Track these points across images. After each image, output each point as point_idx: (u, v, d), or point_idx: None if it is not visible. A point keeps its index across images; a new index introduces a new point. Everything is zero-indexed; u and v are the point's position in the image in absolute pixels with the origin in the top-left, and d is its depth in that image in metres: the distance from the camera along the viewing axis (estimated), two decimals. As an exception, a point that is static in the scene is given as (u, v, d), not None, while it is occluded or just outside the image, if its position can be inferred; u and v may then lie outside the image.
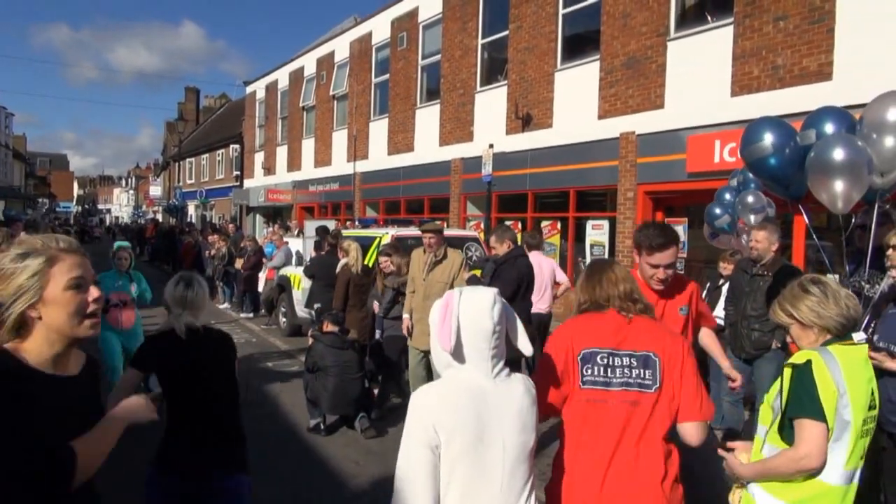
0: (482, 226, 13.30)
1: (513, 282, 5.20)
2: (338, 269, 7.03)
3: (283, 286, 10.70)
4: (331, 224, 12.30)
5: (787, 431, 2.23)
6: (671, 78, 10.05)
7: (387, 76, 17.62)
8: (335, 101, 20.48)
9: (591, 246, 11.78)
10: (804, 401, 2.15)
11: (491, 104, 13.77)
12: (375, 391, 6.42)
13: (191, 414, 2.81)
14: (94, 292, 1.65)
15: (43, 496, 1.50)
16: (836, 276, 4.78)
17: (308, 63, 22.25)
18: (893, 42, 7.47)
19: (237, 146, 29.82)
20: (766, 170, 4.16)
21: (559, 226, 12.52)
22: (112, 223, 65.58)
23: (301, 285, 9.65)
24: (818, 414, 2.13)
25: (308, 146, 22.12)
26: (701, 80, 9.52)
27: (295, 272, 10.39)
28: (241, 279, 12.95)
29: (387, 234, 8.22)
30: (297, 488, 4.64)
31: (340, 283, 6.78)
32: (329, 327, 5.96)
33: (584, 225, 12.00)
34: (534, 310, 6.13)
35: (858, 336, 2.33)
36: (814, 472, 2.16)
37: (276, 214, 24.71)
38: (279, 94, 24.64)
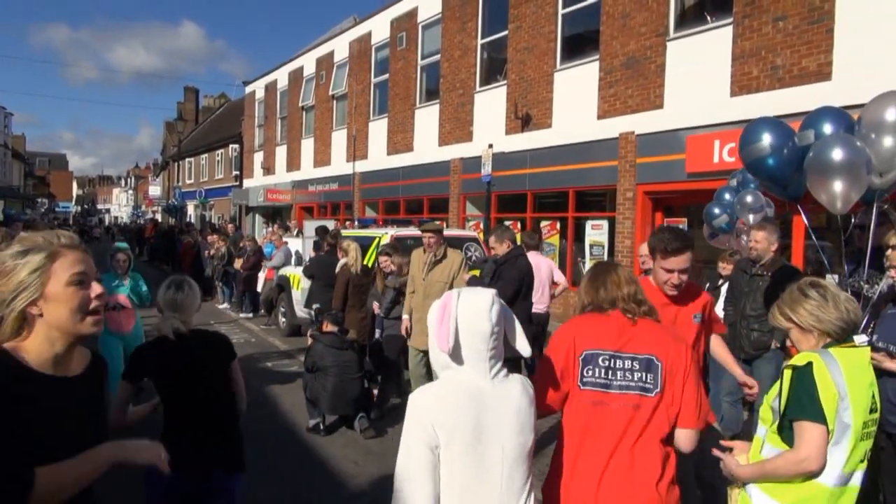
0: (481, 226, 13.31)
1: (514, 281, 5.21)
2: (337, 269, 7.03)
3: (283, 286, 10.70)
4: (330, 224, 12.31)
5: (786, 433, 2.22)
6: (670, 78, 10.06)
7: (386, 76, 17.62)
8: (334, 101, 20.48)
9: (591, 246, 11.78)
10: (804, 402, 2.14)
11: (490, 104, 13.78)
12: (375, 391, 6.42)
13: (191, 415, 2.83)
14: (96, 288, 1.61)
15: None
16: (836, 277, 4.79)
17: (307, 63, 22.25)
18: (893, 42, 7.48)
19: (236, 146, 29.81)
20: (765, 170, 4.16)
21: (558, 226, 12.53)
22: (111, 223, 65.52)
23: (300, 285, 9.65)
24: (818, 416, 2.12)
25: (307, 146, 22.12)
26: (700, 80, 9.53)
27: (294, 272, 10.39)
28: (240, 279, 12.95)
29: (386, 235, 8.22)
30: (297, 488, 4.64)
31: (340, 283, 6.78)
32: (328, 327, 5.96)
33: (583, 225, 12.01)
34: (532, 309, 6.13)
35: (860, 339, 2.31)
36: (813, 474, 2.16)
37: (275, 214, 24.71)
38: (278, 94, 24.64)
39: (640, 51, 10.49)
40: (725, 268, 6.26)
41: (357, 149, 18.42)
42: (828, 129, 3.93)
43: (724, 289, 6.03)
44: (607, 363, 2.18)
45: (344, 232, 9.67)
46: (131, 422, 2.65)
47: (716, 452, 2.42)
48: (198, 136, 39.81)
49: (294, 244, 12.20)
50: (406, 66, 16.74)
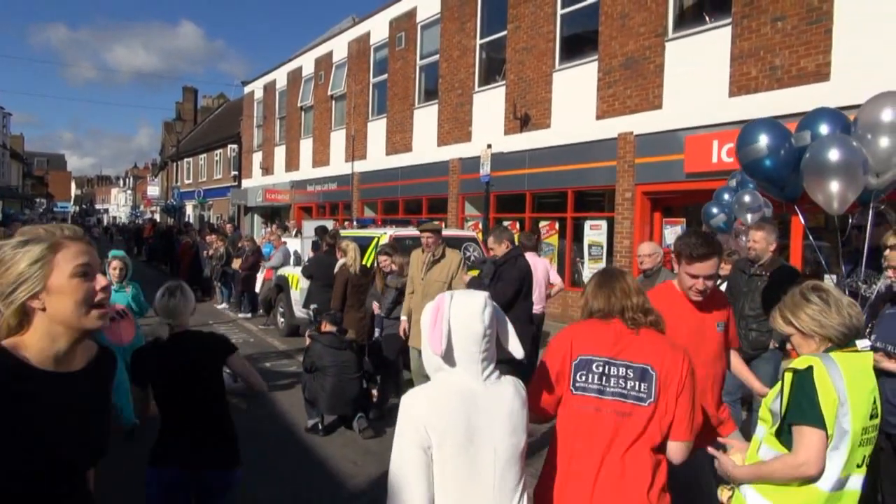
0: (480, 226, 13.32)
1: (515, 282, 5.21)
2: (336, 270, 7.03)
3: (281, 286, 10.69)
4: (329, 224, 12.31)
5: (785, 436, 2.20)
6: (669, 78, 10.07)
7: (385, 76, 17.62)
8: (333, 101, 20.47)
9: (589, 246, 11.79)
10: (804, 407, 2.12)
11: (489, 104, 13.78)
12: (374, 391, 6.42)
13: (189, 415, 2.84)
14: (101, 280, 1.54)
15: (40, 497, 1.47)
16: (834, 277, 4.80)
17: (306, 63, 22.24)
18: (891, 42, 7.49)
19: (235, 146, 29.80)
20: (762, 171, 4.17)
21: (557, 226, 12.54)
22: (110, 223, 65.49)
23: (299, 285, 9.65)
24: (818, 421, 2.10)
25: (306, 146, 22.12)
26: (699, 80, 9.54)
27: (293, 272, 10.39)
28: (238, 279, 12.94)
29: (385, 235, 8.23)
30: (296, 488, 4.65)
31: (339, 284, 6.78)
32: (327, 327, 5.96)
33: (582, 225, 12.01)
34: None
35: (862, 343, 2.28)
36: (811, 479, 2.14)
37: (274, 214, 24.70)
38: (277, 94, 24.63)
39: (638, 51, 10.50)
40: (724, 268, 6.26)
41: (356, 149, 18.43)
42: (824, 129, 3.94)
43: (722, 289, 6.04)
44: (601, 369, 2.18)
45: (343, 232, 9.68)
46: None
47: (711, 451, 2.41)
48: (196, 136, 39.78)
49: (293, 244, 12.21)
50: (405, 66, 16.74)
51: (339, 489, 4.66)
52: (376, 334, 6.69)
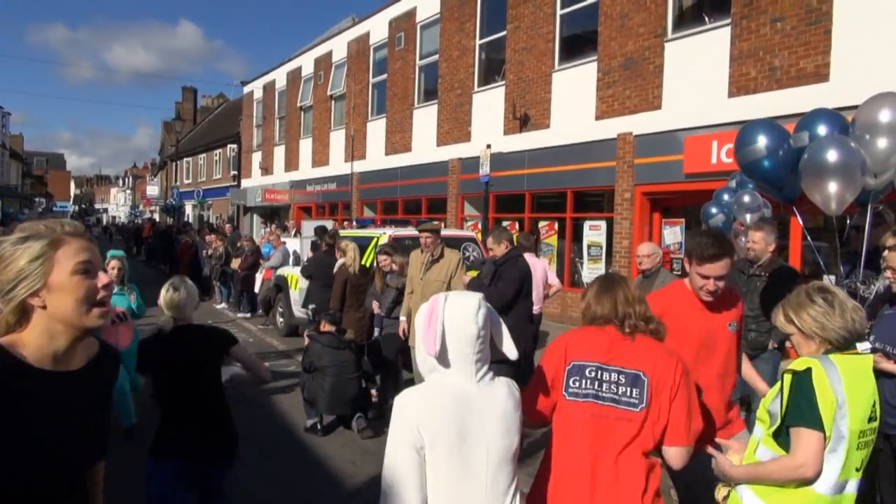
0: (479, 226, 13.32)
1: (515, 282, 5.21)
2: (335, 269, 7.03)
3: (281, 286, 10.69)
4: (328, 224, 12.32)
5: (783, 438, 2.20)
6: (668, 79, 10.07)
7: (384, 76, 17.62)
8: (333, 101, 20.47)
9: (589, 246, 11.80)
10: (803, 409, 2.12)
11: (489, 104, 13.78)
12: (373, 391, 6.42)
13: (191, 409, 2.85)
14: (103, 278, 1.50)
15: (40, 497, 1.46)
16: (832, 277, 4.80)
17: (306, 63, 22.24)
18: (891, 43, 7.50)
19: (234, 146, 29.78)
20: (760, 172, 4.17)
21: (556, 226, 12.54)
22: (109, 223, 65.47)
23: (298, 285, 9.66)
24: (816, 423, 2.09)
25: (305, 146, 22.11)
26: (698, 80, 9.54)
27: (292, 272, 10.39)
28: (237, 279, 12.95)
29: (384, 235, 8.23)
30: (295, 488, 4.65)
31: (338, 283, 6.79)
32: (326, 327, 5.96)
33: (581, 225, 12.02)
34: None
35: (863, 346, 2.27)
36: (808, 481, 2.14)
37: (273, 214, 24.69)
38: (277, 94, 24.63)
39: (638, 51, 10.51)
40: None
41: (355, 149, 18.42)
42: (822, 130, 3.95)
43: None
44: (594, 374, 2.19)
45: (342, 232, 9.68)
46: None
47: (709, 450, 2.42)
48: (196, 136, 39.78)
49: (292, 244, 12.21)
50: (404, 66, 16.74)
51: (337, 489, 4.66)
52: (376, 334, 6.69)
